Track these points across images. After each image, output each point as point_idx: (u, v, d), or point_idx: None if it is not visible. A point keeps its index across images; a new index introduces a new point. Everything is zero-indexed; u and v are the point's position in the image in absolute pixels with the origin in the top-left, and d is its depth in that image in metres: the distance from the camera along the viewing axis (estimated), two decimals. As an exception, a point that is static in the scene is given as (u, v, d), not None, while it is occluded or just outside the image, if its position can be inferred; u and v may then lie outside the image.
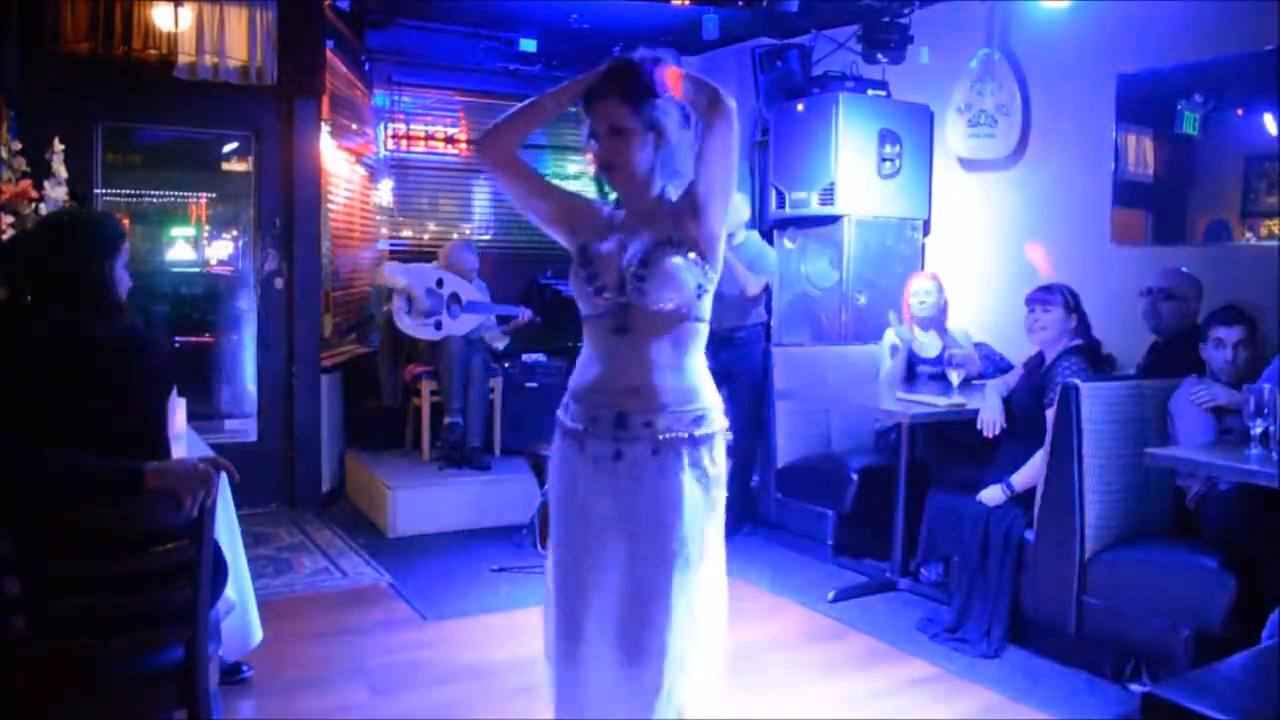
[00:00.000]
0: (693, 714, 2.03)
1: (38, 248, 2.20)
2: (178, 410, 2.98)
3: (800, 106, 5.25)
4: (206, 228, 6.11)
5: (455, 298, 5.48)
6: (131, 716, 2.11)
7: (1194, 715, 1.38)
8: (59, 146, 3.92)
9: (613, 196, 2.16)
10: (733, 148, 2.01)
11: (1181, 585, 3.07)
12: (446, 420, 5.27)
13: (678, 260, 2.01)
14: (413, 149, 6.47)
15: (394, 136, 6.37)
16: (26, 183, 3.73)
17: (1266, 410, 2.78)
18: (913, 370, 4.64)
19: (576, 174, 6.63)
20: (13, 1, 4.38)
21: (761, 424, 4.87)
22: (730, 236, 4.77)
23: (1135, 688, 3.18)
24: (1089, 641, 3.32)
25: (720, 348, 4.83)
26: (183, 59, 4.78)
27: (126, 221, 5.28)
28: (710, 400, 2.10)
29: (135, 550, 1.99)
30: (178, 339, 5.68)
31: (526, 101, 2.11)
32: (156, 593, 2.01)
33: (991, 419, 3.78)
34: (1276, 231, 3.91)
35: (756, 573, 4.34)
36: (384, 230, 6.45)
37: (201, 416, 5.19)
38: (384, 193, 6.44)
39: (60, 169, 3.87)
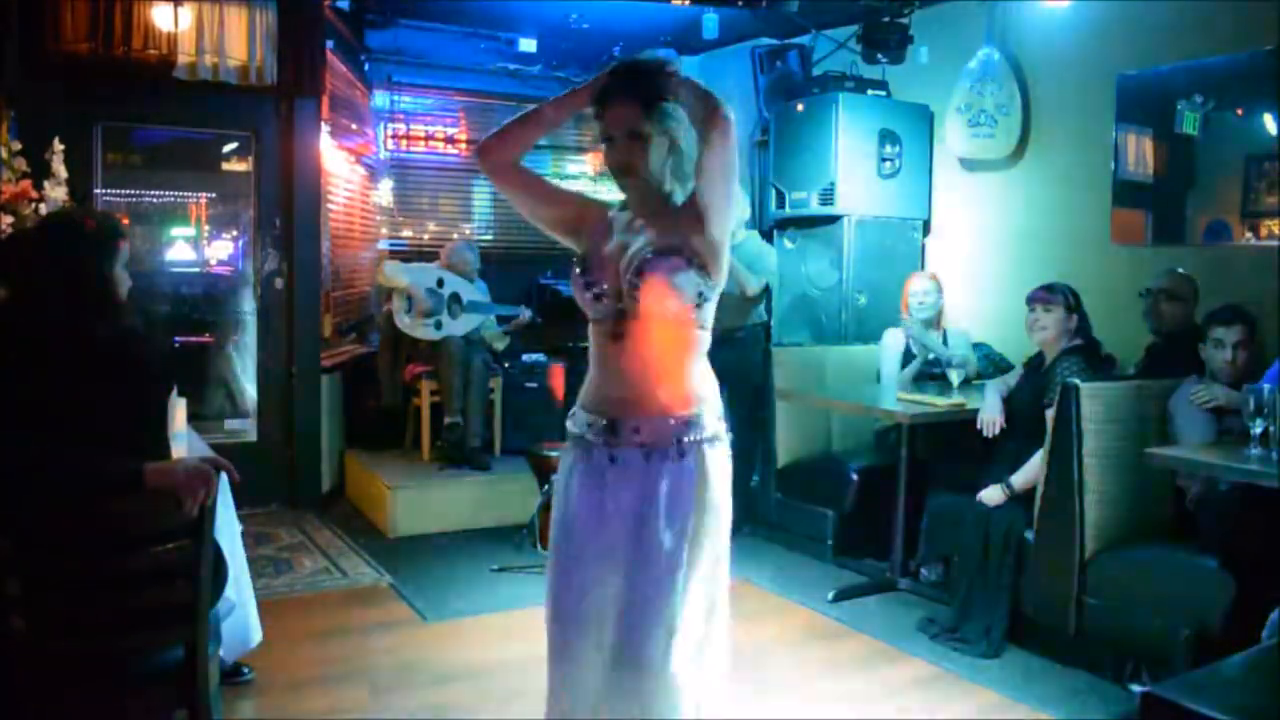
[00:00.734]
0: (694, 716, 2.02)
1: (38, 248, 2.20)
2: (178, 410, 2.97)
3: (800, 106, 5.25)
4: (206, 228, 6.10)
5: (456, 298, 5.48)
6: (131, 716, 2.11)
7: (1194, 715, 1.38)
8: (59, 146, 3.92)
9: (619, 198, 2.15)
10: (733, 158, 2.00)
11: (1181, 585, 3.07)
12: (446, 420, 5.27)
13: (678, 267, 1.99)
14: (413, 149, 6.47)
15: (394, 137, 6.37)
16: (26, 183, 3.73)
17: (1266, 410, 2.78)
18: (918, 369, 4.64)
19: (577, 174, 6.64)
20: (13, 1, 4.38)
21: (761, 424, 4.87)
22: (730, 236, 4.77)
23: (1135, 688, 3.18)
24: (1089, 641, 3.32)
25: (720, 348, 4.78)
26: (182, 59, 4.78)
27: (126, 221, 5.29)
28: (708, 405, 2.09)
29: (135, 550, 1.99)
30: (178, 339, 5.67)
31: (527, 110, 2.08)
32: (156, 593, 2.02)
33: (991, 419, 3.78)
34: (1276, 231, 3.91)
35: (757, 573, 4.34)
36: (384, 230, 6.45)
37: (201, 416, 5.18)
38: (384, 193, 6.44)
39: (60, 169, 3.87)
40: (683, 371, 2.06)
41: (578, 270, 2.07)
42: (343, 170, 5.90)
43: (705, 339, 2.09)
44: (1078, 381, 3.30)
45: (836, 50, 5.58)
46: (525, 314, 5.63)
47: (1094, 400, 3.28)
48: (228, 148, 5.76)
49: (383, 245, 6.37)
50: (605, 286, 2.02)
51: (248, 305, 5.49)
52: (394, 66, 6.23)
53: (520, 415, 5.65)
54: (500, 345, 5.73)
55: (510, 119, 2.08)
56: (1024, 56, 4.81)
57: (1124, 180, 4.42)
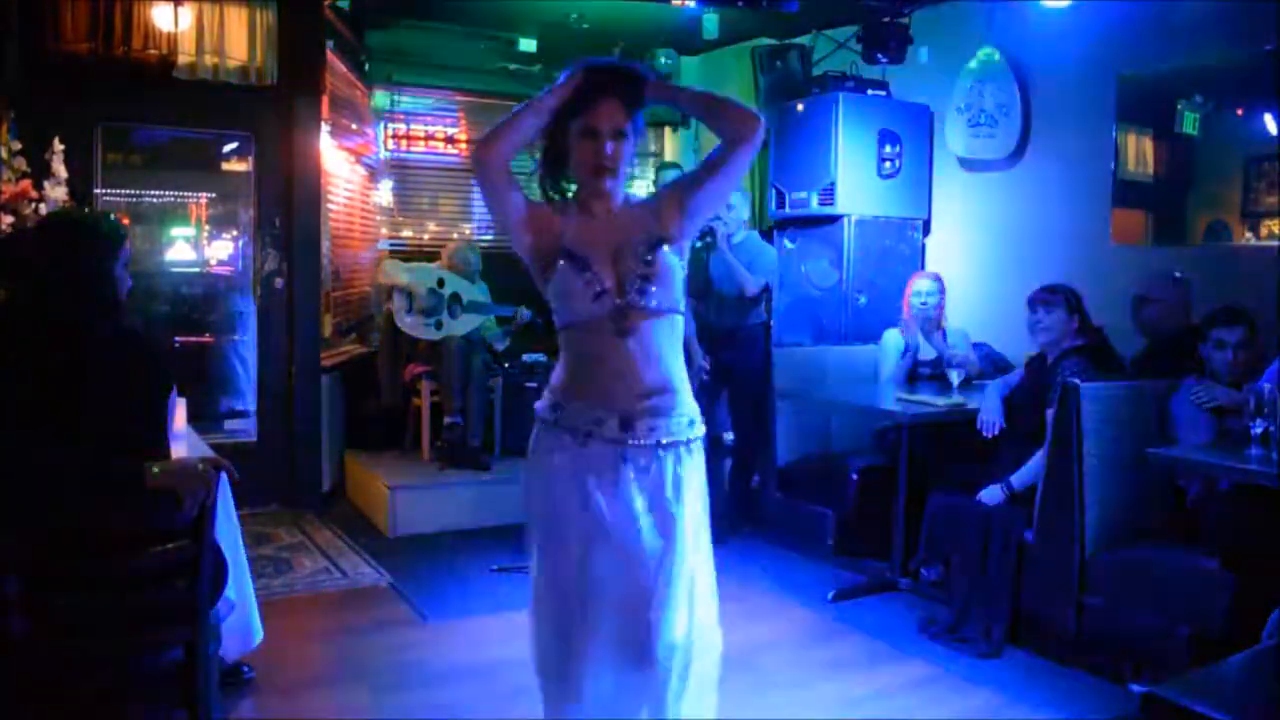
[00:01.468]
0: (693, 714, 2.02)
1: (38, 248, 2.20)
2: (178, 410, 2.97)
3: (800, 106, 5.25)
4: (206, 228, 6.11)
5: (456, 298, 5.48)
6: (131, 716, 2.11)
7: (1194, 715, 1.38)
8: (59, 146, 3.92)
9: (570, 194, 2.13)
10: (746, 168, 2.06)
11: (1181, 585, 3.07)
12: (446, 420, 5.27)
13: (674, 259, 2.04)
14: (413, 149, 6.46)
15: (394, 136, 6.37)
16: (26, 183, 3.73)
17: (1266, 410, 2.78)
18: (915, 370, 4.64)
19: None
20: (13, 1, 4.37)
21: (762, 424, 4.87)
22: (730, 236, 4.78)
23: (1135, 688, 3.17)
24: (1089, 641, 3.32)
25: (720, 348, 4.84)
26: (182, 59, 4.78)
27: (126, 221, 5.29)
28: (694, 403, 2.11)
29: (135, 550, 1.99)
30: (178, 339, 5.68)
31: (525, 103, 2.06)
32: (156, 593, 2.02)
33: (991, 419, 3.78)
34: (1276, 231, 3.91)
35: (757, 573, 4.34)
36: (384, 230, 6.45)
37: (201, 416, 5.18)
38: (384, 193, 6.44)
39: (60, 169, 3.87)
40: (681, 361, 2.08)
41: (571, 269, 2.02)
42: (343, 170, 5.89)
43: (683, 322, 2.13)
44: (1078, 382, 3.30)
45: (836, 50, 5.58)
46: (525, 314, 5.63)
47: (1094, 400, 3.28)
48: (228, 148, 5.76)
49: (383, 245, 6.37)
50: (608, 284, 2.01)
51: (248, 305, 5.49)
52: (394, 66, 6.23)
53: (520, 415, 5.63)
54: (500, 345, 5.73)
55: (506, 116, 2.04)
56: (1024, 56, 4.81)
57: (1124, 180, 4.42)
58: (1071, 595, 3.29)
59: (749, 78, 5.83)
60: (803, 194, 5.20)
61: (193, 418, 3.28)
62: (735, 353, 4.89)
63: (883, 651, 3.54)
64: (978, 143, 4.91)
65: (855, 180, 5.04)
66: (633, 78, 2.05)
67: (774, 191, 5.42)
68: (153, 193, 5.82)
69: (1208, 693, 1.47)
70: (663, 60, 6.03)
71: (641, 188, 6.08)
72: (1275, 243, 3.86)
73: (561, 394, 2.08)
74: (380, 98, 6.24)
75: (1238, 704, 1.48)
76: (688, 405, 2.07)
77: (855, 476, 4.46)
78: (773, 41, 5.84)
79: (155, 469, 1.98)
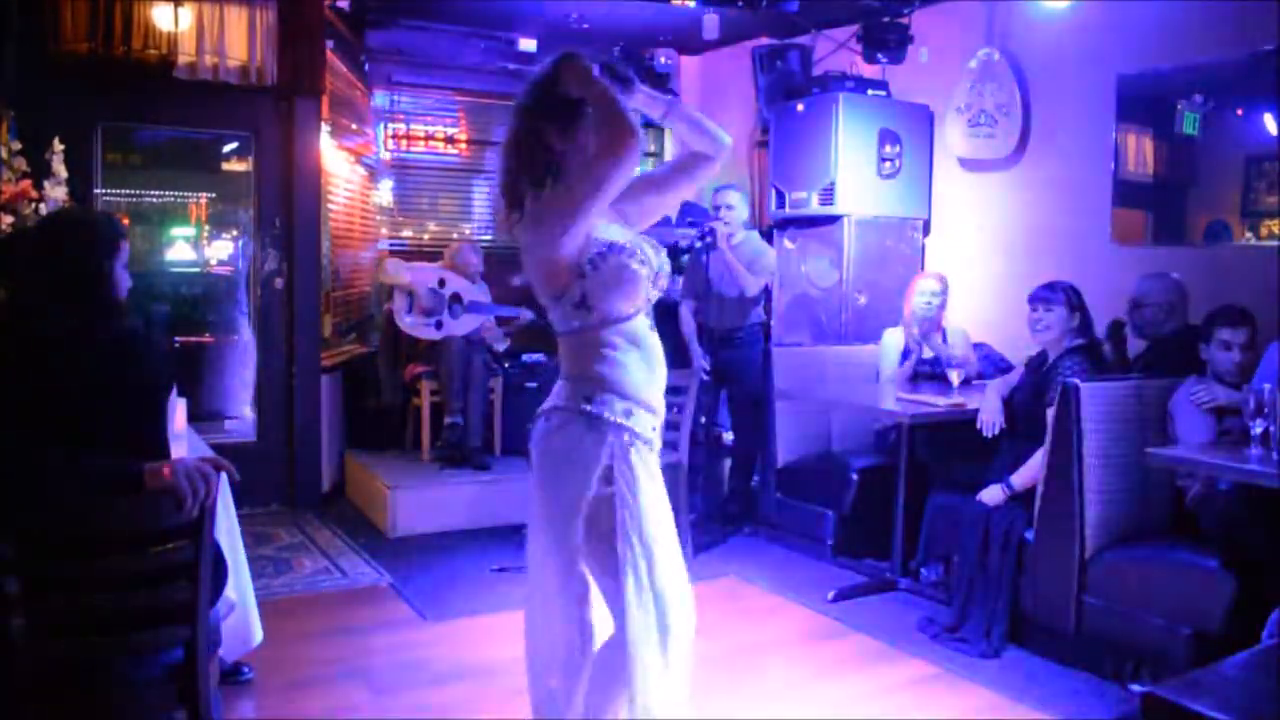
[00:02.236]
0: (661, 713, 1.98)
1: (38, 248, 2.20)
2: (178, 410, 2.97)
3: (800, 106, 5.25)
4: (206, 228, 6.11)
5: (456, 298, 5.48)
6: (131, 716, 2.11)
7: (1194, 715, 1.38)
8: (59, 146, 3.92)
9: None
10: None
11: (1181, 585, 3.07)
12: (446, 420, 5.27)
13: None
14: (413, 149, 6.47)
15: (394, 136, 6.37)
16: (26, 183, 3.73)
17: (1266, 410, 2.78)
18: (915, 370, 4.63)
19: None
20: (13, 2, 4.38)
21: (761, 424, 4.87)
22: (729, 236, 4.78)
23: (1135, 688, 3.18)
24: (1089, 641, 3.32)
25: (720, 348, 4.85)
26: (183, 59, 4.79)
27: (126, 221, 5.30)
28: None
29: (135, 550, 1.98)
30: (178, 339, 5.68)
31: (611, 96, 1.92)
32: (156, 593, 2.01)
33: (991, 419, 3.78)
34: (1276, 231, 3.91)
35: (756, 573, 4.34)
36: (384, 230, 6.45)
37: (201, 416, 5.19)
38: (384, 193, 6.44)
39: (60, 169, 3.87)
40: None
41: (630, 258, 1.96)
42: (343, 170, 5.90)
43: None
44: (1078, 381, 3.30)
45: (836, 50, 5.58)
46: (526, 315, 5.63)
47: (1094, 400, 3.28)
48: (228, 147, 5.77)
49: (383, 245, 6.37)
50: (655, 276, 2.02)
51: (248, 305, 5.49)
52: (394, 66, 6.22)
53: (520, 415, 5.63)
54: (501, 345, 5.73)
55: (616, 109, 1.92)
56: (1024, 56, 4.81)
57: (1124, 180, 4.42)
58: (1071, 595, 3.29)
59: (749, 78, 5.83)
60: (803, 194, 5.20)
61: (193, 418, 3.28)
62: (735, 353, 4.89)
63: (883, 651, 3.54)
64: (978, 143, 4.91)
65: (855, 180, 5.03)
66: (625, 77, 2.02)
67: (774, 191, 5.41)
68: (153, 193, 5.82)
69: (1208, 693, 1.47)
70: (663, 60, 6.03)
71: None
72: (1275, 243, 3.86)
73: (631, 396, 1.99)
74: (380, 98, 6.24)
75: (1238, 704, 1.48)
76: None
77: (855, 476, 4.46)
78: (773, 41, 5.84)
79: (155, 469, 1.98)
